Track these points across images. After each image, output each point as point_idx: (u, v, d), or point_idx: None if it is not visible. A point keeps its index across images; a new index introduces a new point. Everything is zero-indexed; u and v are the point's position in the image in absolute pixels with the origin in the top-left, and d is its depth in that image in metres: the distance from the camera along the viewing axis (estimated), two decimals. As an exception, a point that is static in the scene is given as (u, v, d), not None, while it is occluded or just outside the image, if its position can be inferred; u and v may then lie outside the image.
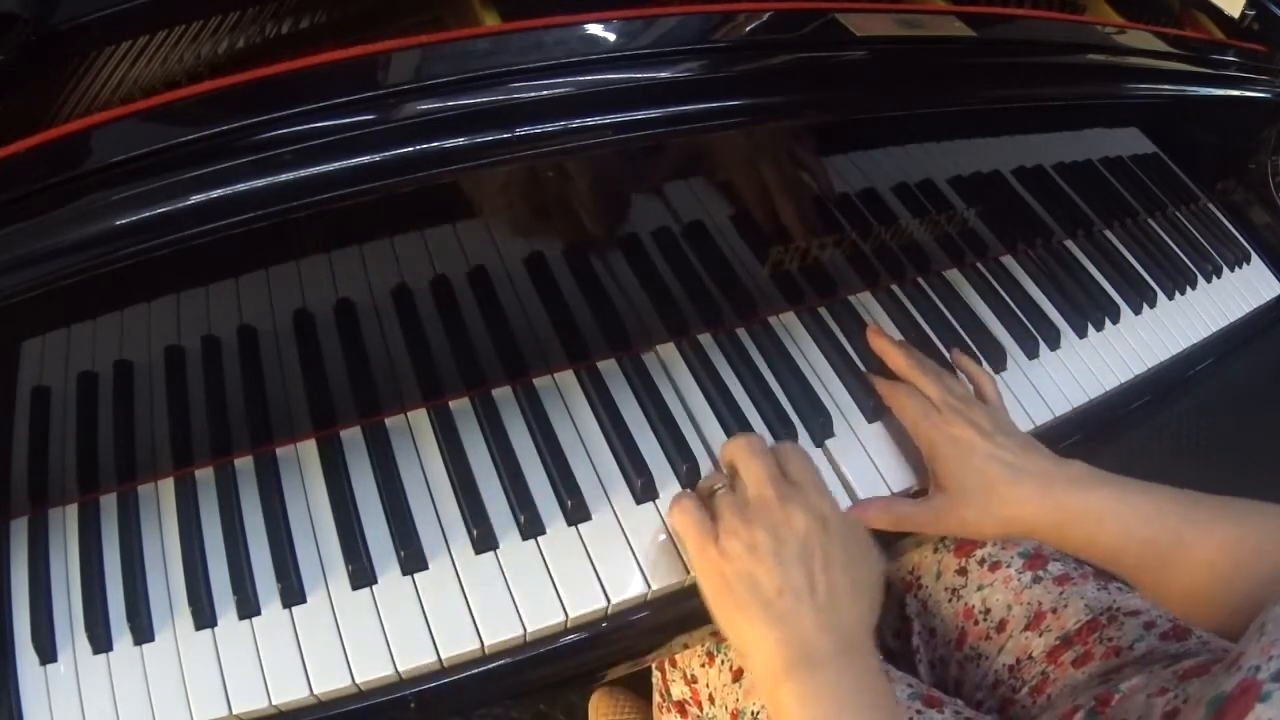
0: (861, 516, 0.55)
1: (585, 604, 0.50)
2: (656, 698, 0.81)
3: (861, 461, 0.59)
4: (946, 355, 0.66)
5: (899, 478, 0.59)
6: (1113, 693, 0.55)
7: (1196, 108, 0.77)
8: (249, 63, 0.44)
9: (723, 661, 0.67)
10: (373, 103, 0.43)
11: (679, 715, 0.76)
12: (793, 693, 0.42)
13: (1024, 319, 0.71)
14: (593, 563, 0.52)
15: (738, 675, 0.65)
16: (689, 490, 0.54)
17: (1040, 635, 0.65)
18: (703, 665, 0.69)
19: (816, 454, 0.59)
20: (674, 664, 0.73)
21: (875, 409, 0.61)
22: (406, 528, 0.51)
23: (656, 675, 0.79)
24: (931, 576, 0.73)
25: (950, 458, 0.53)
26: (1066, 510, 0.50)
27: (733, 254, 0.59)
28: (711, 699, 0.68)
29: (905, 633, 0.72)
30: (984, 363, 0.67)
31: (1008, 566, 0.70)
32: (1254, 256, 0.91)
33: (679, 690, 0.74)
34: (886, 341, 0.61)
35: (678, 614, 0.53)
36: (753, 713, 0.63)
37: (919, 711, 0.58)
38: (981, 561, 0.71)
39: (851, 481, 0.58)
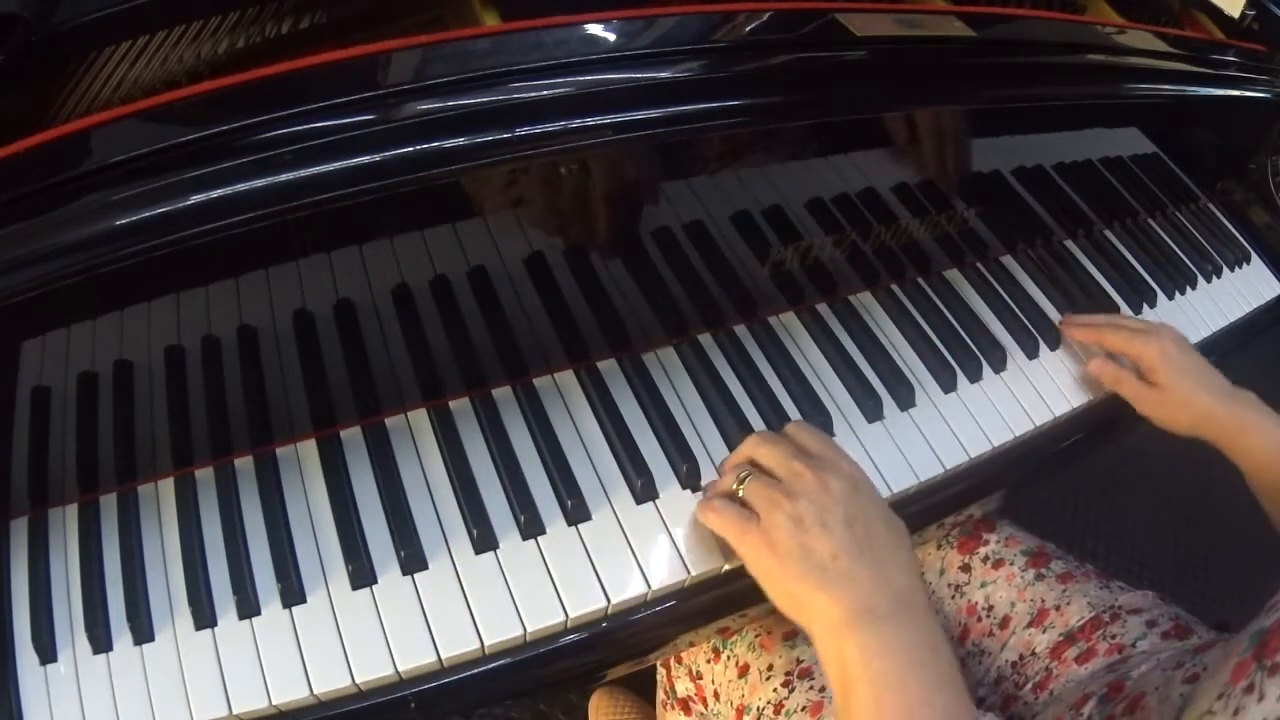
0: (1099, 372, 0.67)
1: (585, 604, 0.50)
2: (661, 695, 0.81)
3: (861, 461, 0.58)
4: (947, 355, 0.66)
5: (899, 477, 0.59)
6: (1124, 680, 0.56)
7: (1196, 108, 0.77)
8: (249, 63, 0.44)
9: (728, 658, 0.67)
10: (373, 103, 0.43)
11: (683, 712, 0.76)
12: (858, 648, 0.42)
13: (1024, 319, 0.71)
14: (593, 563, 0.52)
15: (743, 671, 0.65)
16: (707, 488, 0.54)
17: (1044, 632, 0.65)
18: (708, 661, 0.69)
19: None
20: (679, 661, 0.73)
21: (874, 409, 0.61)
22: (406, 528, 0.51)
23: (661, 672, 0.79)
24: (935, 573, 0.73)
25: (1163, 366, 0.65)
26: (1244, 421, 0.62)
27: (733, 254, 0.59)
28: (717, 695, 0.69)
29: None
30: (985, 363, 0.67)
31: (1011, 564, 0.70)
32: (1254, 256, 0.91)
33: (684, 687, 0.74)
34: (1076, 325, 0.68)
35: (678, 613, 0.53)
36: (758, 709, 0.63)
37: None
38: (985, 559, 0.71)
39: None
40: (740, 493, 0.49)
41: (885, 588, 0.44)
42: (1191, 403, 0.63)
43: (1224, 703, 0.36)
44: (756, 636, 0.66)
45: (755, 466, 0.51)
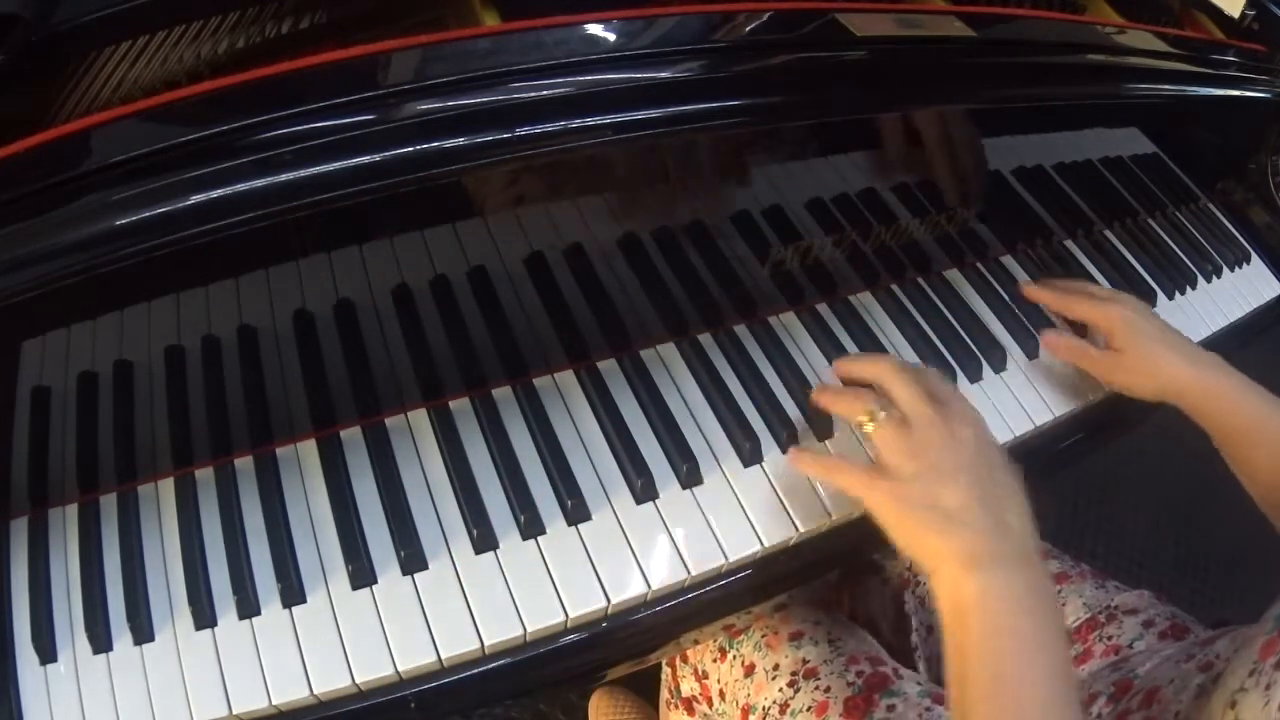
0: (1054, 344, 0.66)
1: (585, 604, 0.50)
2: (665, 694, 0.81)
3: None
4: (947, 355, 0.66)
5: (899, 478, 0.59)
6: (1130, 678, 0.56)
7: (1196, 108, 0.77)
8: (249, 63, 0.44)
9: (734, 657, 0.67)
10: (373, 103, 0.43)
11: (686, 712, 0.76)
12: (976, 589, 0.44)
13: (1024, 319, 0.71)
14: (593, 563, 0.52)
15: (749, 670, 0.65)
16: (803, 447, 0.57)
17: None
18: (715, 660, 0.69)
19: (818, 449, 0.59)
20: (684, 660, 0.73)
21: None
22: (406, 528, 0.51)
23: (666, 671, 0.79)
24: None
25: (1124, 332, 0.63)
26: (1213, 387, 0.60)
27: (733, 254, 0.59)
28: (722, 695, 0.69)
29: (904, 630, 0.72)
30: (985, 363, 0.67)
31: (1006, 565, 0.70)
32: (1254, 256, 0.91)
33: (689, 686, 0.74)
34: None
35: (678, 613, 0.53)
36: (763, 708, 0.63)
37: (928, 709, 0.58)
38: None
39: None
40: (869, 429, 0.50)
41: (1005, 535, 0.46)
42: (1156, 367, 0.62)
43: (1255, 679, 0.37)
44: (763, 636, 0.66)
45: (883, 395, 0.52)
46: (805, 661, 0.64)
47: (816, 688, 0.62)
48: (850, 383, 0.57)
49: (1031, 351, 0.69)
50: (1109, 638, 0.63)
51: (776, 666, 0.64)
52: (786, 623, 0.66)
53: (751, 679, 0.65)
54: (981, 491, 0.47)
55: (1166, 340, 0.62)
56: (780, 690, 0.63)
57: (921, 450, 0.48)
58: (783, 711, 0.62)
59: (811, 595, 0.70)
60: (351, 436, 0.55)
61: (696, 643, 0.60)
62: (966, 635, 0.44)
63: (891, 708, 0.59)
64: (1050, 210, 0.76)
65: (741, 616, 0.57)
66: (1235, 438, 0.59)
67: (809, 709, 0.61)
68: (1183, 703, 0.49)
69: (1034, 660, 0.43)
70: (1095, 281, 0.78)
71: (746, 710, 0.64)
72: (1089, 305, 0.65)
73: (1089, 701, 0.57)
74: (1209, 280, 0.84)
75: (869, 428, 0.51)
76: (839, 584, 0.79)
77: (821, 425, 0.59)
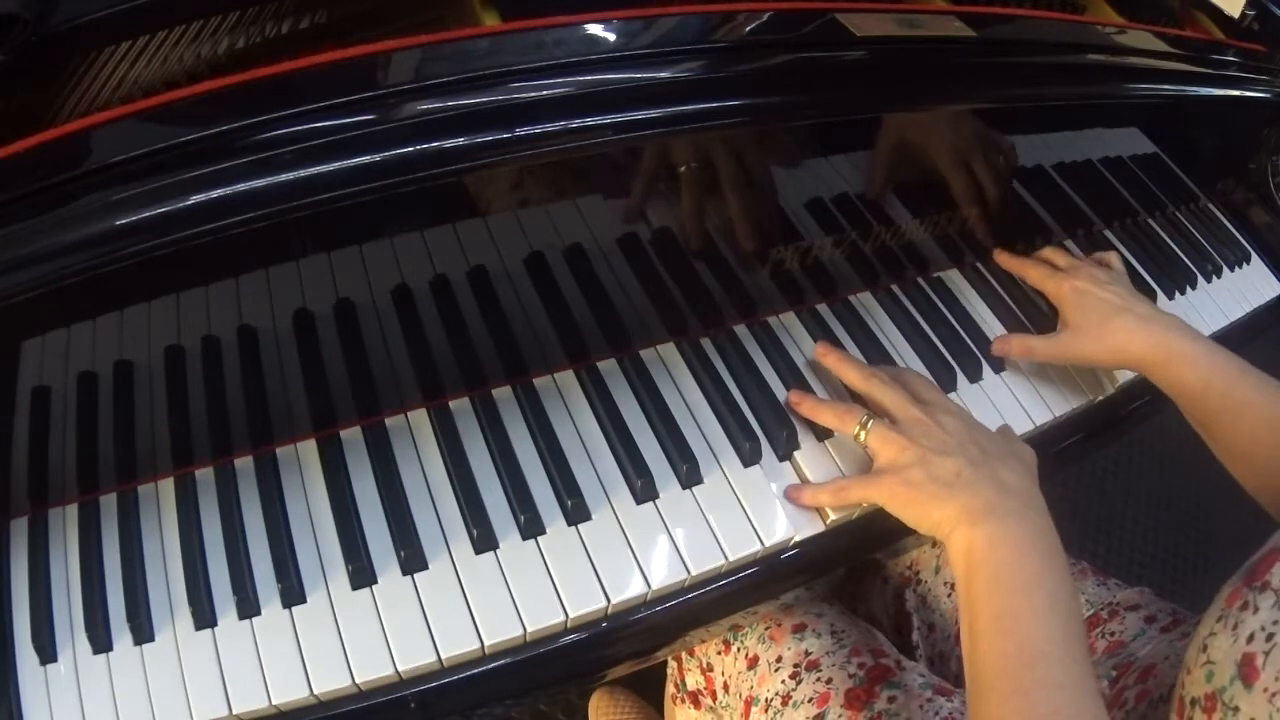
0: (1002, 348, 0.66)
1: (585, 604, 0.50)
2: (670, 688, 0.81)
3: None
4: (947, 355, 0.66)
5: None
6: (1130, 661, 0.56)
7: (1196, 108, 0.77)
8: (249, 63, 0.44)
9: (738, 650, 0.68)
10: (373, 103, 0.43)
11: (692, 706, 0.76)
12: (983, 538, 0.48)
13: (1023, 319, 0.71)
14: (593, 563, 0.52)
15: (752, 663, 0.66)
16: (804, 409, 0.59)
17: None
18: (719, 653, 0.70)
19: (819, 449, 0.59)
20: (691, 654, 0.73)
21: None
22: (406, 528, 0.51)
23: (672, 665, 0.79)
24: (930, 571, 0.73)
25: (1072, 303, 0.65)
26: (1168, 349, 0.60)
27: (733, 254, 0.59)
28: (726, 687, 0.69)
29: (905, 628, 0.73)
30: (985, 363, 0.67)
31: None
32: (1254, 256, 0.91)
33: (694, 680, 0.74)
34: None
35: (679, 613, 0.53)
36: (766, 700, 0.63)
37: (929, 699, 0.59)
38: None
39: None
40: (862, 438, 0.55)
41: (1003, 490, 0.50)
42: (1106, 335, 0.62)
43: (1223, 624, 0.39)
44: (766, 629, 0.67)
45: (871, 404, 0.57)
46: (808, 653, 0.64)
47: (819, 679, 0.62)
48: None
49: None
50: (1112, 634, 0.63)
51: (779, 659, 0.65)
52: (790, 615, 0.67)
53: (755, 671, 0.65)
54: (972, 459, 0.51)
55: (1118, 306, 0.63)
56: (783, 682, 0.63)
57: (913, 440, 0.53)
58: (785, 703, 0.62)
59: (814, 590, 0.70)
60: (351, 436, 0.55)
61: (702, 640, 0.60)
62: (974, 582, 0.48)
63: (893, 699, 0.59)
64: (1050, 210, 0.76)
65: (743, 616, 0.57)
66: (1198, 400, 0.59)
67: (811, 700, 0.61)
68: (1177, 677, 0.49)
69: (1033, 596, 0.46)
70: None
71: (749, 702, 0.65)
72: (1043, 276, 0.68)
73: None
74: (1209, 280, 0.84)
75: (863, 436, 0.55)
76: (840, 583, 0.79)
77: (820, 426, 0.59)
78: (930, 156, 0.62)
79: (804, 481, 0.57)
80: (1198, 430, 0.61)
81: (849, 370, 0.59)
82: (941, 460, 0.51)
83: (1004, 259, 0.72)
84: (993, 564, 0.48)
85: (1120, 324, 0.62)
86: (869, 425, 0.55)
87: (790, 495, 0.56)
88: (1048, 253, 0.72)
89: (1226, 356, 0.59)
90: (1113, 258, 0.72)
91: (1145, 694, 0.52)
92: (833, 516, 0.56)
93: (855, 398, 0.60)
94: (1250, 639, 0.37)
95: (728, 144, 0.53)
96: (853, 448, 0.59)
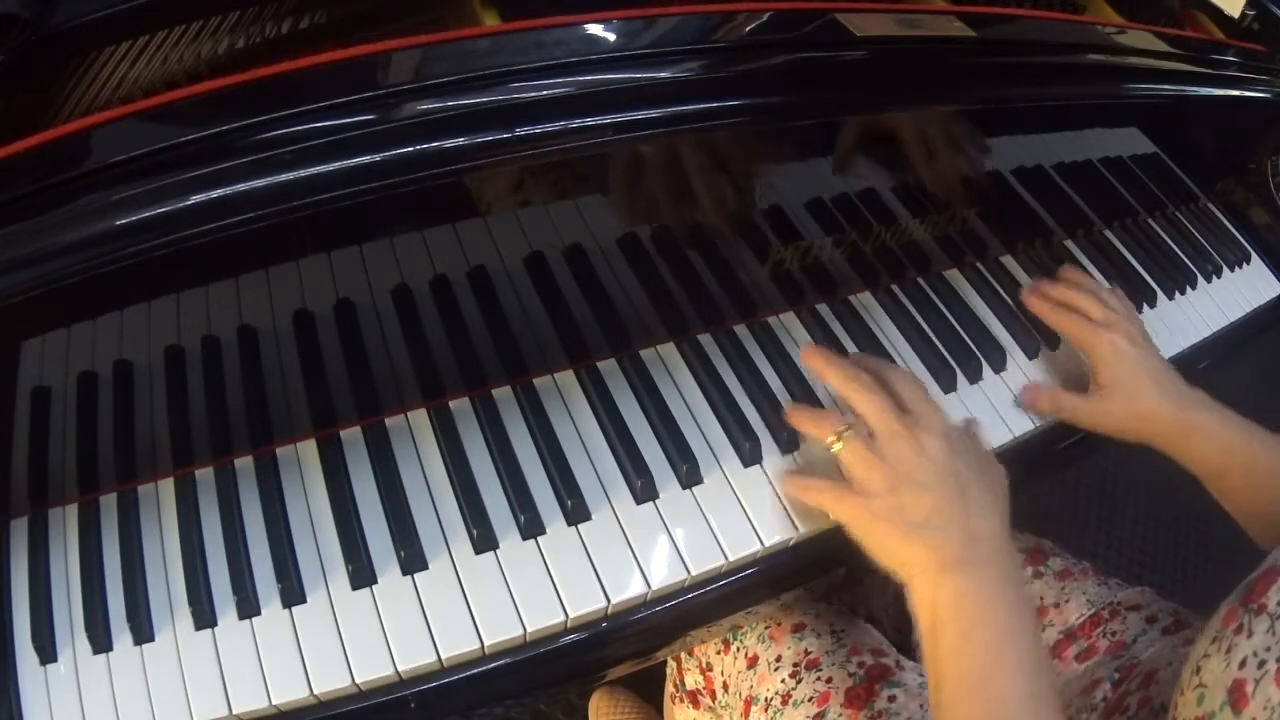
0: (1032, 403, 0.63)
1: (585, 604, 0.50)
2: (670, 688, 0.81)
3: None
4: (947, 355, 0.66)
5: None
6: (1133, 663, 0.56)
7: (1196, 108, 0.77)
8: (249, 63, 0.44)
9: (737, 649, 0.68)
10: (373, 103, 0.43)
11: (691, 705, 0.76)
12: (949, 591, 0.46)
13: (1024, 319, 0.71)
14: (593, 563, 0.52)
15: (752, 662, 0.66)
16: (792, 459, 0.57)
17: (1043, 630, 0.65)
18: (718, 653, 0.70)
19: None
20: (690, 654, 0.73)
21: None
22: (406, 528, 0.51)
23: (672, 665, 0.79)
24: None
25: (1108, 361, 0.61)
26: (1192, 425, 0.58)
27: (733, 254, 0.59)
28: (725, 686, 0.69)
29: (905, 628, 0.73)
30: (985, 363, 0.67)
31: (1008, 562, 0.70)
32: (1254, 256, 0.91)
33: (693, 680, 0.74)
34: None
35: (679, 613, 0.53)
36: (766, 699, 0.63)
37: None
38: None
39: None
40: (836, 449, 0.51)
41: (974, 538, 0.47)
42: (1135, 405, 0.59)
43: (1217, 645, 0.38)
44: (766, 628, 0.67)
45: (852, 412, 0.53)
46: (808, 652, 0.64)
47: (818, 678, 0.62)
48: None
49: (1031, 351, 0.69)
50: (1113, 633, 0.63)
51: (779, 658, 0.65)
52: (789, 614, 0.67)
53: (754, 670, 0.65)
54: (948, 500, 0.48)
55: (1151, 374, 0.60)
56: (783, 681, 0.63)
57: (888, 465, 0.49)
58: (785, 702, 0.62)
59: (814, 590, 0.70)
60: (351, 436, 0.55)
61: (702, 641, 0.60)
62: (939, 638, 0.45)
63: (893, 698, 0.59)
64: (1050, 210, 0.76)
65: (743, 616, 0.57)
66: (1219, 478, 0.58)
67: (811, 699, 0.61)
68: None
69: (1002, 654, 0.44)
70: (1095, 279, 0.77)
71: (749, 702, 0.65)
72: (1077, 327, 0.64)
73: (1092, 688, 0.57)
74: (1209, 280, 0.84)
75: (837, 447, 0.52)
76: (840, 583, 0.79)
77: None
78: (907, 149, 0.62)
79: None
80: (1217, 498, 0.59)
81: (831, 373, 0.56)
82: (914, 495, 0.48)
83: (1034, 303, 0.67)
84: (960, 620, 0.45)
85: (1151, 396, 0.59)
86: (845, 436, 0.51)
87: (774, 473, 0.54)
88: (1081, 301, 0.66)
89: (1248, 429, 0.57)
90: (1127, 303, 0.68)
91: (1146, 700, 0.51)
92: (832, 517, 0.56)
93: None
94: (1242, 664, 0.36)
95: (725, 143, 0.53)
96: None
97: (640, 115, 0.47)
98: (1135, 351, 0.61)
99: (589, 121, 0.46)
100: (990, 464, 0.52)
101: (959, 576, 0.46)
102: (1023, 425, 0.64)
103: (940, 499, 0.48)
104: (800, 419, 0.56)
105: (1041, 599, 0.67)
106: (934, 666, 0.46)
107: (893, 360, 0.65)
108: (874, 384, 0.53)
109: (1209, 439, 0.57)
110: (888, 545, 0.48)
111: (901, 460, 0.49)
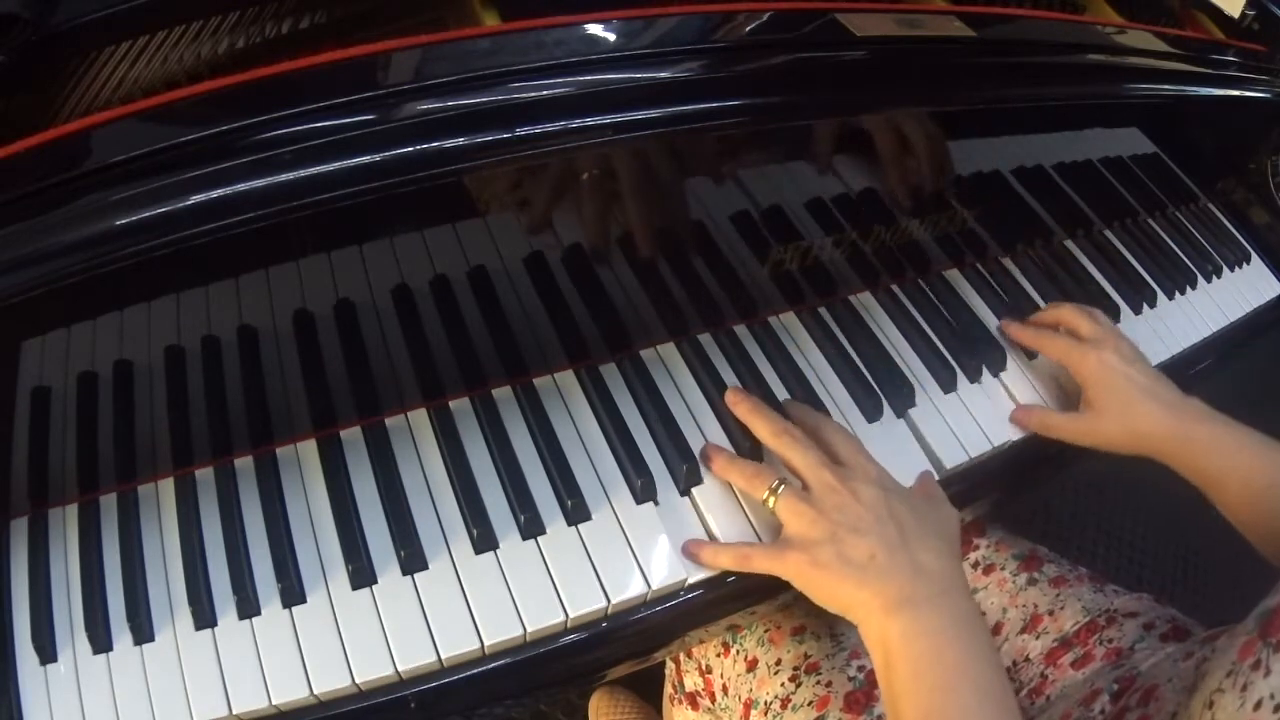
0: (1022, 420, 0.63)
1: (585, 604, 0.50)
2: (669, 689, 0.81)
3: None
4: (947, 355, 0.66)
5: (899, 477, 0.58)
6: (1133, 674, 0.56)
7: (1196, 108, 0.77)
8: (249, 63, 0.44)
9: (737, 652, 0.68)
10: (373, 103, 0.43)
11: (689, 707, 0.76)
12: (899, 632, 0.45)
13: (1024, 319, 0.71)
14: (593, 563, 0.52)
15: (751, 665, 0.66)
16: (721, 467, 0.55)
17: (1037, 638, 0.65)
18: (718, 655, 0.69)
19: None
20: (689, 655, 0.73)
21: (873, 409, 0.61)
22: (406, 528, 0.51)
23: (670, 667, 0.79)
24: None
25: (1098, 381, 0.60)
26: (1191, 437, 0.57)
27: (733, 254, 0.59)
28: (725, 689, 0.69)
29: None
30: (985, 363, 0.67)
31: (1002, 569, 0.70)
32: (1254, 256, 0.91)
33: (692, 681, 0.74)
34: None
35: (678, 613, 0.53)
36: (765, 703, 0.63)
37: None
38: (975, 565, 0.71)
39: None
40: (771, 504, 0.51)
41: (921, 576, 0.47)
42: (1130, 423, 0.59)
43: (1232, 680, 0.37)
44: (766, 631, 0.67)
45: (783, 464, 0.53)
46: (807, 656, 0.64)
47: (818, 682, 0.62)
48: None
49: (1031, 352, 0.69)
50: (1109, 640, 0.63)
51: (779, 661, 0.65)
52: (789, 617, 0.67)
53: (754, 674, 0.65)
54: (888, 540, 0.48)
55: (1143, 388, 0.60)
56: (782, 685, 0.63)
57: (824, 514, 0.49)
58: (784, 706, 0.62)
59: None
60: (351, 436, 0.55)
61: (701, 641, 0.60)
62: (894, 676, 0.45)
63: None
64: (1050, 210, 0.76)
65: (743, 616, 0.57)
66: (1219, 489, 0.57)
67: (810, 703, 0.61)
68: (1178, 702, 0.49)
69: (960, 690, 0.43)
70: (1094, 281, 0.78)
71: (749, 705, 0.65)
72: (1065, 349, 0.63)
73: (1091, 699, 0.57)
74: (1209, 280, 0.84)
75: (771, 502, 0.51)
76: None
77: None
78: (907, 149, 0.62)
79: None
80: (1223, 512, 0.59)
81: (759, 424, 0.55)
82: (854, 540, 0.48)
83: (1014, 331, 0.67)
84: (911, 659, 0.45)
85: (1145, 410, 0.59)
86: (779, 491, 0.51)
87: (689, 550, 0.52)
88: (1068, 316, 0.66)
89: (1248, 439, 0.57)
90: (1097, 315, 0.67)
91: (1145, 718, 0.51)
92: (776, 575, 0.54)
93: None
94: (1258, 706, 0.35)
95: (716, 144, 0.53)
96: (870, 450, 0.57)
97: (640, 115, 0.47)
98: (1127, 368, 0.61)
99: (589, 121, 0.46)
100: (939, 506, 0.53)
101: (907, 615, 0.46)
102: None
103: (879, 542, 0.48)
104: (731, 474, 0.54)
105: (1036, 606, 0.67)
106: (890, 705, 0.46)
107: (893, 362, 0.65)
108: (804, 437, 0.53)
109: (1208, 450, 0.57)
110: (834, 589, 0.48)
111: (838, 508, 0.49)
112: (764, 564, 0.51)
